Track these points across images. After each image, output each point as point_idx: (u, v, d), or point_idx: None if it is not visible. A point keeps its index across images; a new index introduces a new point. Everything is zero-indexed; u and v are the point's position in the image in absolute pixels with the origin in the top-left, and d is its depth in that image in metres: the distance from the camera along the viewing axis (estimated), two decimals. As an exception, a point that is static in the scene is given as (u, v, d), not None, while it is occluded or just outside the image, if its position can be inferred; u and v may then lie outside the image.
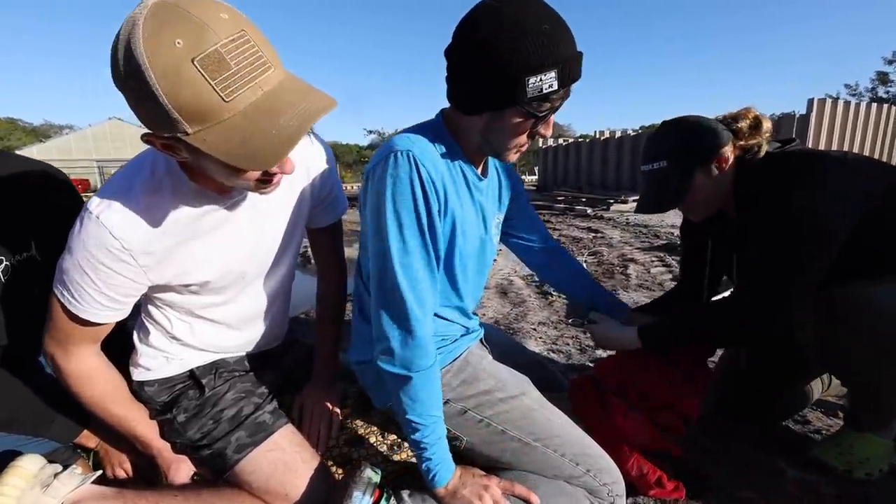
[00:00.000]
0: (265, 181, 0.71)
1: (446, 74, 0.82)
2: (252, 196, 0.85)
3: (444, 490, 0.83)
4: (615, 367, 1.16)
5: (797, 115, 8.28)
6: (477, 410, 0.92)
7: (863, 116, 8.73)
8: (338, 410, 1.07)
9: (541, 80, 0.72)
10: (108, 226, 0.71)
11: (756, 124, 1.05)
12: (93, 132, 25.42)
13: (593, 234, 5.00)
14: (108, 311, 0.78)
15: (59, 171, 1.02)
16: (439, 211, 0.83)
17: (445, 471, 0.83)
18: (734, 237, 1.13)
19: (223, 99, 0.56)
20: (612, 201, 7.64)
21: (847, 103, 8.52)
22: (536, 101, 0.75)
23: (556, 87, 0.74)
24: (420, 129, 0.87)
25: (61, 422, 0.97)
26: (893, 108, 9.26)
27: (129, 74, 0.54)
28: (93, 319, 0.78)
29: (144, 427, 0.92)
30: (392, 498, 0.85)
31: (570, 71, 0.74)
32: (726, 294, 1.28)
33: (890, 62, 22.79)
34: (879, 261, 0.95)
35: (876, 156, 9.28)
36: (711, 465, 1.12)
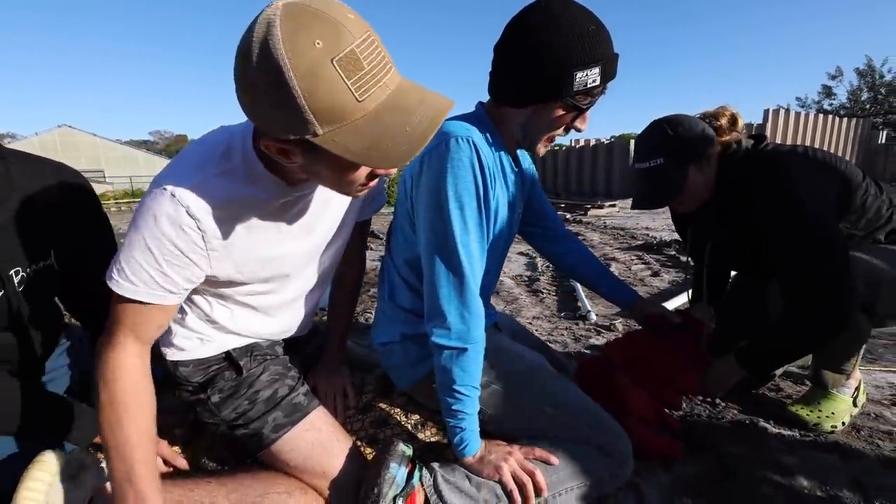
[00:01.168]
0: (368, 184, 0.71)
1: (492, 69, 0.90)
2: (320, 189, 0.85)
3: (473, 458, 0.91)
4: (624, 346, 1.26)
5: (755, 125, 8.80)
6: (498, 383, 1.00)
7: (811, 126, 9.37)
8: (349, 388, 1.13)
9: (587, 74, 0.79)
10: (184, 204, 0.68)
11: (733, 121, 1.16)
12: (40, 141, 23.12)
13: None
14: (161, 292, 0.73)
15: (74, 170, 1.00)
16: (488, 197, 0.89)
17: (475, 441, 0.91)
18: (713, 225, 1.26)
19: (357, 99, 0.56)
20: (588, 207, 7.90)
21: (797, 114, 9.14)
22: (580, 95, 0.83)
23: (598, 82, 0.81)
24: (466, 119, 0.93)
25: (80, 424, 0.95)
26: (839, 119, 9.96)
27: (264, 74, 0.53)
28: (144, 299, 0.72)
29: (143, 473, 0.71)
30: (424, 469, 0.91)
31: (610, 68, 0.83)
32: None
33: (833, 77, 24.43)
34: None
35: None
36: (705, 427, 1.23)
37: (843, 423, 1.21)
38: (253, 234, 0.80)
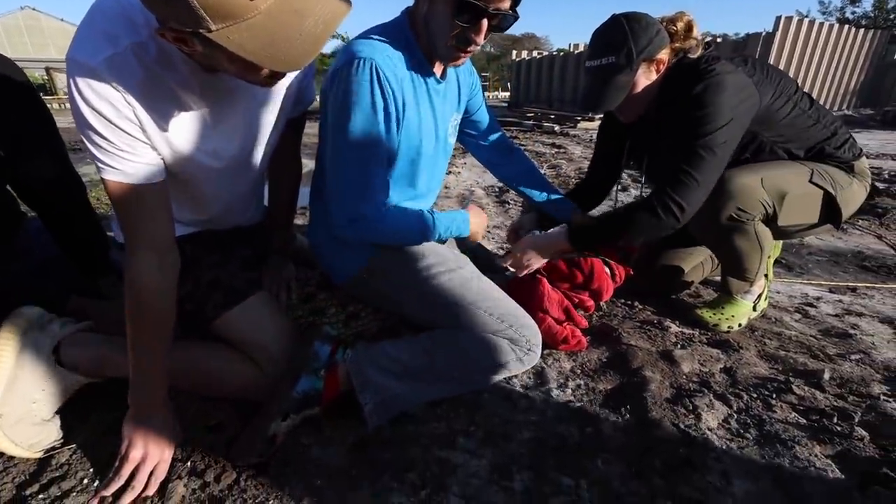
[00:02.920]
0: (275, 78, 0.71)
1: None
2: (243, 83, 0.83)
3: (473, 222, 1.13)
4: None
5: (763, 34, 8.15)
6: (419, 283, 1.07)
7: (824, 37, 8.69)
8: (293, 283, 1.21)
9: None
10: (106, 80, 0.68)
11: (689, 27, 1.12)
12: (4, 25, 21.27)
13: (556, 150, 5.08)
14: (130, 158, 0.75)
15: (8, 60, 0.98)
16: (397, 116, 0.93)
17: (464, 223, 1.10)
18: (650, 138, 1.26)
19: None
20: (579, 119, 7.60)
21: (811, 23, 8.43)
22: None
23: None
24: (382, 31, 0.93)
25: (51, 293, 1.05)
26: (854, 30, 9.21)
27: None
28: (121, 178, 0.75)
29: (155, 386, 0.85)
30: (348, 350, 1.01)
31: None
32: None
33: (863, -19, 22.00)
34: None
35: (832, 78, 9.40)
36: (618, 325, 1.36)
37: (740, 325, 1.33)
38: (179, 118, 0.80)
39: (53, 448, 0.90)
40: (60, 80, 16.53)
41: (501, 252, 2.00)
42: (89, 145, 0.74)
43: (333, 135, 0.94)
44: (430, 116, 1.03)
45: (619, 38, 1.07)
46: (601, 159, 1.48)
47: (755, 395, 1.05)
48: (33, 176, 1.07)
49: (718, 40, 8.93)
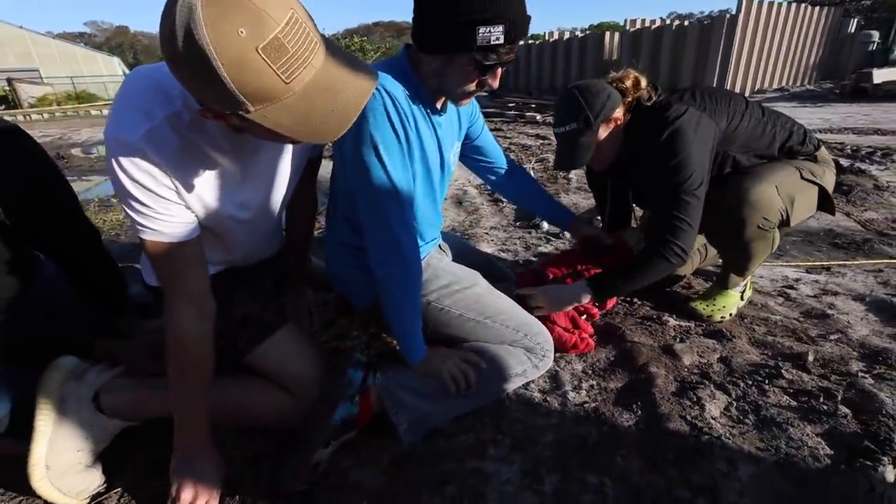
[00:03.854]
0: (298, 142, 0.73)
1: (413, 14, 0.88)
2: None
3: (419, 364, 1.05)
4: (556, 262, 1.42)
5: (728, 16, 8.34)
6: (438, 301, 1.13)
7: (783, 16, 8.95)
8: (313, 308, 1.26)
9: (489, 31, 0.81)
10: (144, 150, 0.72)
11: (636, 83, 1.25)
12: None
13: (541, 142, 5.15)
14: (168, 221, 0.78)
15: (9, 123, 1.00)
16: (409, 139, 0.94)
17: (420, 349, 1.05)
18: (628, 178, 1.39)
19: (284, 81, 0.58)
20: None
21: (771, 4, 8.68)
22: (484, 52, 0.84)
23: (501, 40, 0.83)
24: (384, 66, 0.94)
25: (75, 338, 1.06)
26: (810, 8, 9.50)
27: (192, 59, 0.56)
28: (160, 238, 0.78)
29: (199, 428, 0.87)
30: (378, 373, 1.07)
31: (517, 29, 0.83)
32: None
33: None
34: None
35: (793, 55, 9.72)
36: (620, 322, 1.44)
37: (731, 314, 1.43)
38: (210, 177, 0.84)
39: (99, 494, 0.92)
40: (23, 90, 15.63)
41: (501, 255, 2.06)
42: (129, 211, 0.77)
43: (355, 170, 0.93)
44: (435, 148, 1.06)
45: (576, 107, 1.20)
46: (598, 192, 1.62)
47: (750, 382, 1.14)
48: (49, 231, 1.08)
49: (685, 24, 9.12)
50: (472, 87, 0.93)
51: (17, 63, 20.75)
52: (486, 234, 2.36)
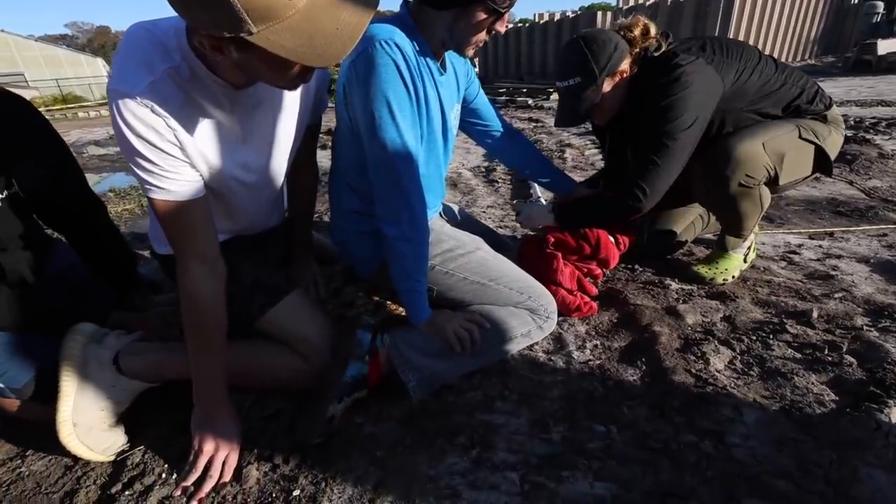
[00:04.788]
0: (304, 77, 0.72)
1: None
2: (266, 97, 0.87)
3: (423, 324, 1.06)
4: (555, 230, 1.41)
5: None
6: (443, 265, 1.13)
7: None
8: (319, 279, 1.26)
9: None
10: (147, 104, 0.71)
11: (646, 31, 1.20)
12: None
13: (534, 124, 5.10)
14: (175, 178, 0.78)
15: (15, 94, 1.00)
16: (418, 96, 0.93)
17: (425, 311, 1.06)
18: (629, 132, 1.34)
19: None
20: (551, 90, 7.59)
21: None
22: None
23: None
24: (388, 22, 0.92)
25: (91, 312, 1.07)
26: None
27: None
28: (169, 197, 0.79)
29: (218, 387, 0.89)
30: (385, 335, 1.07)
31: None
32: None
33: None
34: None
35: (793, 29, 9.51)
36: (622, 287, 1.44)
37: (733, 277, 1.43)
38: (212, 135, 0.83)
39: (123, 451, 0.95)
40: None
41: (499, 231, 2.06)
42: (136, 169, 0.78)
43: (366, 129, 0.92)
44: (437, 108, 1.05)
45: (580, 59, 1.15)
46: (602, 142, 1.56)
47: (754, 338, 1.15)
48: (57, 202, 1.09)
49: (681, 0, 8.91)
50: (483, 35, 0.93)
51: (3, 68, 20.77)
52: (483, 212, 2.36)
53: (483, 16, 0.88)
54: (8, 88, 1.01)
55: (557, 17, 10.78)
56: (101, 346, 0.97)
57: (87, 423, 0.91)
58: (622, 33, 1.19)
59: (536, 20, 11.09)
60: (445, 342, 1.04)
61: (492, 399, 1.02)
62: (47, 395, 0.91)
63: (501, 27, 0.93)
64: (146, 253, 1.72)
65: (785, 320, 1.20)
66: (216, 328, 0.88)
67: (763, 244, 1.74)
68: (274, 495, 0.83)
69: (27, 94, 18.31)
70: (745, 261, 1.45)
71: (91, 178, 4.01)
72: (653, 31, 1.20)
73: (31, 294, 1.03)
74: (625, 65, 1.19)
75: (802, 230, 1.87)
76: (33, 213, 1.08)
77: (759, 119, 1.27)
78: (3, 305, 0.97)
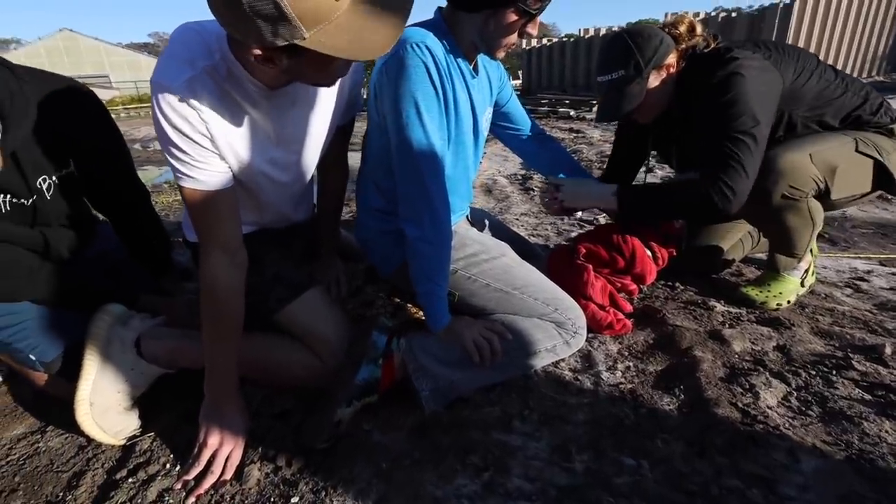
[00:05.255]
0: (344, 72, 0.76)
1: None
2: (301, 96, 0.88)
3: (442, 330, 1.00)
4: (592, 237, 1.31)
5: (781, 5, 7.69)
6: (465, 270, 1.07)
7: (846, 2, 8.12)
8: (342, 277, 1.24)
9: None
10: (184, 97, 0.74)
11: (692, 28, 1.12)
12: (45, 47, 22.46)
13: (574, 135, 4.97)
14: (204, 168, 0.80)
15: (81, 84, 1.04)
16: (447, 98, 0.92)
17: (444, 316, 0.99)
18: (675, 131, 1.24)
19: None
20: (594, 103, 7.39)
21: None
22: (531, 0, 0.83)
23: None
24: (422, 26, 0.92)
25: (122, 292, 1.10)
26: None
27: None
28: (197, 186, 0.80)
29: (228, 380, 0.87)
30: (402, 339, 1.02)
31: None
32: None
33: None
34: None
35: (858, 44, 8.85)
36: (661, 306, 1.32)
37: (789, 302, 1.28)
38: (244, 131, 0.85)
39: (135, 436, 0.94)
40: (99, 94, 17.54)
41: (532, 240, 1.97)
42: (169, 157, 0.80)
43: (393, 129, 0.91)
44: (468, 110, 1.02)
45: (625, 53, 1.08)
46: (625, 143, 1.44)
47: (814, 373, 1.01)
48: (108, 187, 1.14)
49: (733, 15, 8.50)
50: (515, 37, 0.91)
51: (93, 70, 23.29)
52: (517, 220, 2.27)
53: (514, 17, 0.87)
54: (91, 87, 1.09)
55: (603, 31, 10.56)
56: (126, 328, 0.97)
57: (103, 403, 0.91)
58: (667, 30, 1.11)
59: (581, 35, 10.91)
60: (464, 351, 0.97)
61: (510, 417, 0.94)
62: (72, 371, 0.92)
63: (533, 30, 0.90)
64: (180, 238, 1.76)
65: (851, 355, 1.05)
66: (233, 318, 0.86)
67: (825, 268, 1.56)
68: (273, 500, 0.78)
69: (109, 94, 20.33)
70: (802, 285, 1.30)
71: (153, 171, 4.37)
72: (699, 29, 1.12)
73: (70, 271, 1.05)
74: (671, 59, 1.10)
75: (872, 255, 1.67)
76: (84, 195, 1.12)
77: (815, 129, 1.15)
78: (43, 279, 1.00)
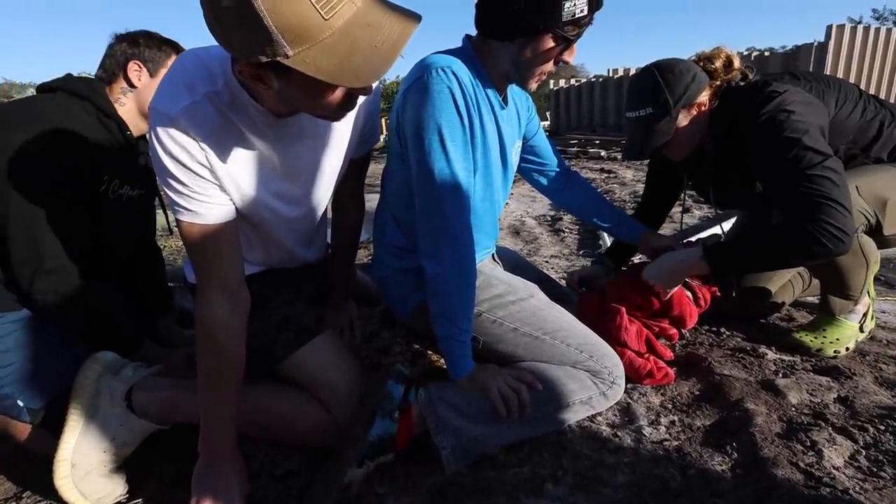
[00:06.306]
0: (346, 106, 0.75)
1: (478, 1, 0.93)
2: (311, 127, 0.91)
3: (464, 379, 1.00)
4: (626, 279, 1.33)
5: (815, 45, 8.04)
6: (491, 312, 1.09)
7: (882, 41, 8.45)
8: (355, 321, 1.25)
9: (574, 4, 0.86)
10: (183, 127, 0.75)
11: (728, 63, 1.17)
12: None
13: (606, 175, 5.10)
14: (203, 200, 0.81)
15: None
16: (473, 126, 0.95)
17: (467, 363, 1.00)
18: (710, 170, 1.28)
19: (323, 17, 0.59)
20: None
21: (867, 29, 8.26)
22: (569, 26, 0.88)
23: (585, 11, 0.87)
24: (450, 54, 0.97)
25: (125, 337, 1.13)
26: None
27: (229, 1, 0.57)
28: (194, 219, 0.81)
29: (226, 433, 0.86)
30: (420, 389, 1.01)
31: None
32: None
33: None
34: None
35: (894, 83, 9.10)
36: (706, 353, 1.31)
37: (847, 349, 1.26)
38: (247, 161, 0.87)
39: (119, 503, 0.93)
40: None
41: (562, 283, 1.98)
42: (166, 189, 0.82)
43: (414, 157, 0.94)
44: (496, 142, 1.06)
45: (654, 90, 1.12)
46: (657, 181, 1.51)
47: (882, 428, 0.98)
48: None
49: (766, 54, 8.89)
50: (550, 65, 0.95)
51: None
52: (546, 262, 2.31)
53: (551, 44, 0.90)
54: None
55: (633, 71, 11.06)
56: (117, 379, 0.98)
57: (86, 465, 0.90)
58: (702, 64, 1.16)
59: (610, 75, 11.44)
60: (489, 402, 0.97)
61: (541, 480, 0.92)
62: (58, 423, 0.91)
63: (570, 57, 0.95)
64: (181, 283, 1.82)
65: (925, 408, 1.02)
66: (231, 364, 0.86)
67: (884, 312, 1.54)
68: (277, 572, 0.76)
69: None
70: (861, 330, 1.28)
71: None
72: (737, 63, 1.17)
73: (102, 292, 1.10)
74: (703, 97, 1.15)
75: (935, 298, 1.64)
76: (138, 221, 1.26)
77: (862, 162, 1.18)
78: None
